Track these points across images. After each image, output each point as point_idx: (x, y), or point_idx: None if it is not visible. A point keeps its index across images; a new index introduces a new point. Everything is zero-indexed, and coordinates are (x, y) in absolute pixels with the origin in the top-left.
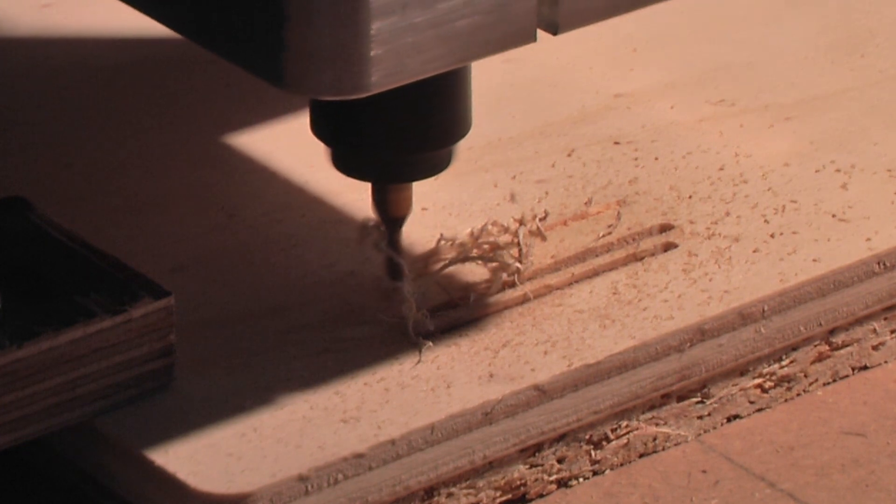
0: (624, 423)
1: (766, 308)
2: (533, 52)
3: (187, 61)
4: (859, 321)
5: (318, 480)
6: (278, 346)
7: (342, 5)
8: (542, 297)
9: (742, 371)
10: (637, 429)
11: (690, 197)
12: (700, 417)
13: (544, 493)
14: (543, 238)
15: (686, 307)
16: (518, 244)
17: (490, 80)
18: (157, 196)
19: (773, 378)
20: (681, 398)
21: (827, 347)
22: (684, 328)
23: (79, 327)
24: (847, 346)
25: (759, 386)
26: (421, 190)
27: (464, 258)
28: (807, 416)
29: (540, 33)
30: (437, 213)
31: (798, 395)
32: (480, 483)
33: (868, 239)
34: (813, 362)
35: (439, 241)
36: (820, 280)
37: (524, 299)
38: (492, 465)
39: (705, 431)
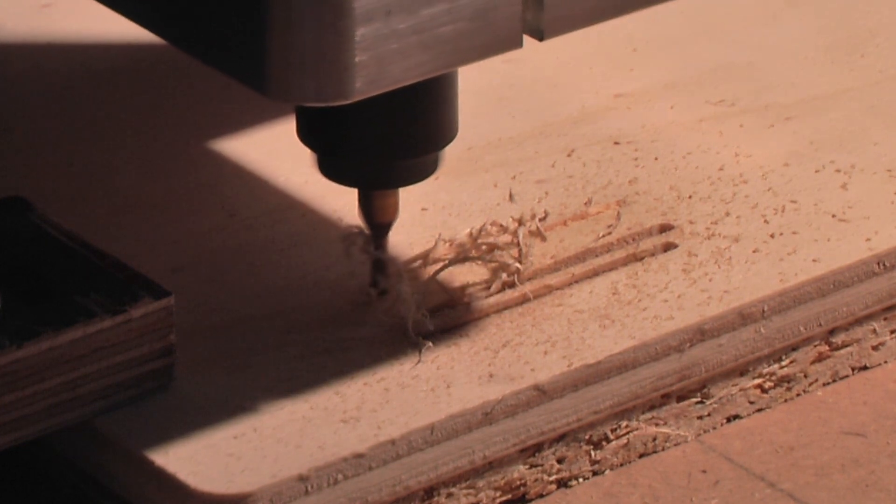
0: (624, 424)
1: (766, 308)
2: (533, 53)
3: (187, 61)
4: (859, 321)
5: (318, 480)
6: (278, 346)
7: (325, 12)
8: (542, 297)
9: (742, 371)
10: (637, 429)
11: (690, 197)
12: (700, 417)
13: (544, 493)
14: (543, 238)
15: (686, 307)
16: (518, 244)
17: (490, 80)
18: (157, 196)
19: (773, 378)
20: (681, 398)
21: (827, 347)
22: (684, 328)
23: (79, 327)
24: (847, 346)
25: (759, 386)
26: (421, 190)
27: (463, 258)
28: (807, 416)
29: (528, 39)
30: (437, 213)
31: (798, 395)
32: (480, 483)
33: (868, 239)
34: (813, 362)
35: (438, 241)
36: (820, 280)
37: (524, 299)
38: (492, 466)
39: (705, 431)
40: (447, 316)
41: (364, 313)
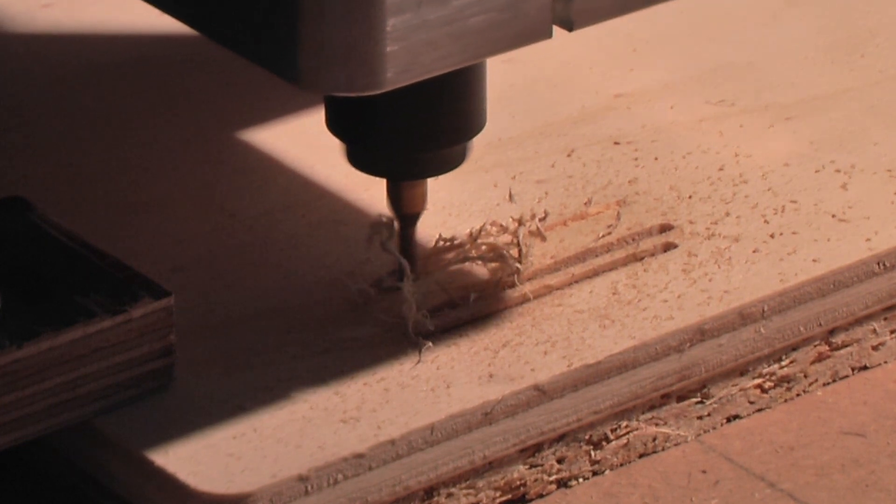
0: (624, 423)
1: (766, 308)
2: (533, 52)
3: (187, 61)
4: (859, 321)
5: (318, 480)
6: (278, 346)
7: (357, 3)
8: (542, 297)
9: (742, 371)
10: (637, 429)
11: (690, 197)
12: (700, 417)
13: (544, 493)
14: (543, 238)
15: (686, 307)
16: (518, 244)
17: (490, 80)
18: (157, 196)
19: (773, 378)
20: (681, 398)
21: (827, 347)
22: (684, 328)
23: (79, 327)
24: (847, 346)
25: (759, 386)
26: None
27: (464, 258)
28: (807, 416)
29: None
30: (437, 213)
31: (798, 395)
32: (480, 483)
33: (868, 239)
34: (813, 362)
35: (438, 241)
36: (820, 280)
37: (524, 299)
38: (492, 465)
39: (705, 431)
40: (447, 316)
41: (364, 313)
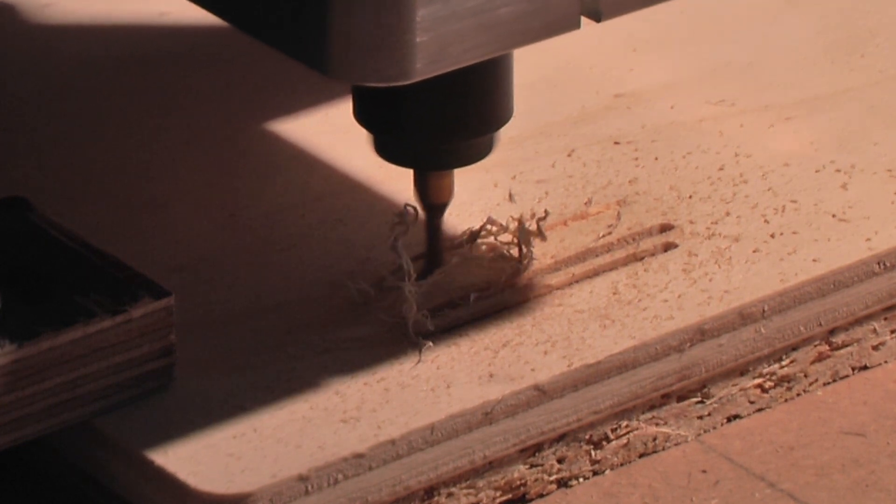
0: (624, 423)
1: (766, 308)
2: (533, 53)
3: (187, 61)
4: (859, 321)
5: (318, 480)
6: (278, 346)
7: None
8: (542, 297)
9: (742, 371)
10: (637, 429)
11: (690, 197)
12: (700, 417)
13: (544, 493)
14: (543, 238)
15: (686, 307)
16: (518, 244)
17: None
18: (157, 196)
19: (773, 378)
20: (681, 398)
21: (827, 347)
22: (684, 328)
23: (79, 327)
24: (847, 346)
25: (759, 386)
26: None
27: (464, 258)
28: (807, 416)
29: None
30: None
31: (798, 395)
32: (480, 483)
33: (868, 239)
34: (813, 362)
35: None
36: (820, 280)
37: (524, 299)
38: (492, 465)
39: (705, 431)
40: (447, 316)
41: (364, 313)
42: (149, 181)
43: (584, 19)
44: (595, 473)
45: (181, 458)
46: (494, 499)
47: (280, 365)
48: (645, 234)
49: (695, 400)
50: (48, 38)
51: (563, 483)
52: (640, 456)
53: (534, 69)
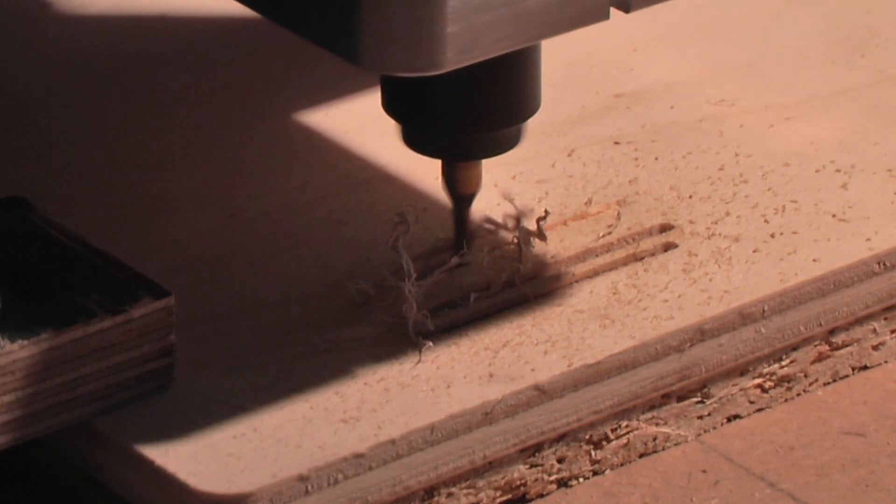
0: (624, 423)
1: (766, 308)
2: None
3: (188, 61)
4: (859, 321)
5: (318, 480)
6: (278, 346)
7: None
8: (542, 297)
9: (742, 371)
10: (637, 429)
11: (690, 197)
12: (700, 417)
13: (544, 493)
14: (543, 238)
15: (686, 307)
16: (518, 244)
17: None
18: (157, 196)
19: (773, 378)
20: (681, 398)
21: (827, 347)
22: (684, 328)
23: (79, 327)
24: (847, 346)
25: (759, 386)
26: (421, 190)
27: (464, 258)
28: (807, 416)
29: None
30: (437, 213)
31: (798, 395)
32: (480, 483)
33: (868, 239)
34: (813, 362)
35: (438, 241)
36: (820, 280)
37: (524, 299)
38: (492, 465)
39: (705, 431)
40: (447, 316)
41: (364, 313)
42: (149, 181)
43: (612, 10)
44: (595, 473)
45: (181, 458)
46: (494, 499)
47: (280, 365)
48: (645, 234)
49: (695, 400)
50: (48, 37)
51: (563, 483)
52: (640, 456)
53: None
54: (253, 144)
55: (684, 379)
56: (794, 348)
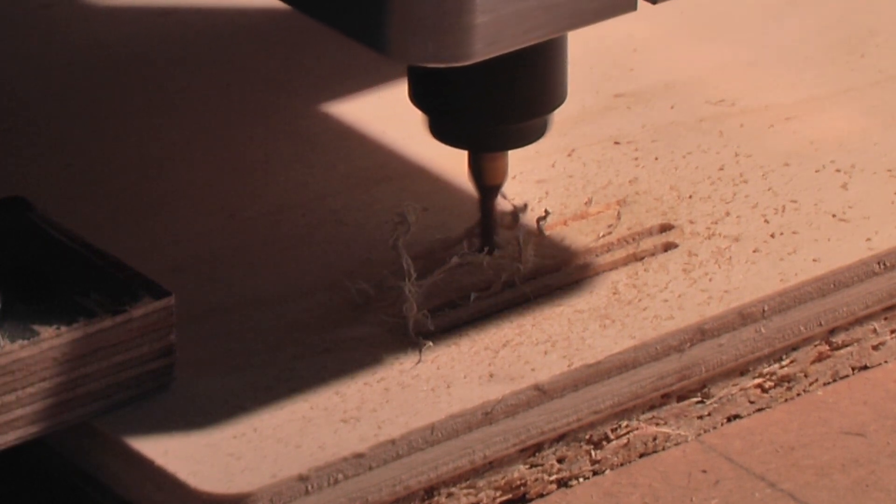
0: (624, 423)
1: (766, 308)
2: None
3: (187, 61)
4: (859, 321)
5: (318, 480)
6: (278, 346)
7: None
8: (542, 297)
9: (742, 371)
10: (637, 429)
11: (690, 197)
12: (700, 417)
13: (544, 493)
14: (543, 238)
15: (686, 307)
16: (518, 244)
17: None
18: (157, 196)
19: (773, 378)
20: (681, 398)
21: (827, 347)
22: (684, 328)
23: (79, 327)
24: (847, 346)
25: (759, 386)
26: (421, 190)
27: (463, 258)
28: (807, 416)
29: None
30: (437, 213)
31: (798, 395)
32: (480, 483)
33: (868, 239)
34: (813, 362)
35: (438, 240)
36: (820, 280)
37: (524, 299)
38: (492, 465)
39: (705, 431)
40: (447, 316)
41: (364, 313)
42: (149, 181)
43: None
44: (595, 473)
45: (181, 458)
46: (494, 499)
47: (280, 365)
48: (645, 234)
49: (695, 400)
50: (48, 38)
51: (563, 483)
52: (640, 456)
53: None
54: (253, 144)
55: (684, 379)
56: (794, 348)
